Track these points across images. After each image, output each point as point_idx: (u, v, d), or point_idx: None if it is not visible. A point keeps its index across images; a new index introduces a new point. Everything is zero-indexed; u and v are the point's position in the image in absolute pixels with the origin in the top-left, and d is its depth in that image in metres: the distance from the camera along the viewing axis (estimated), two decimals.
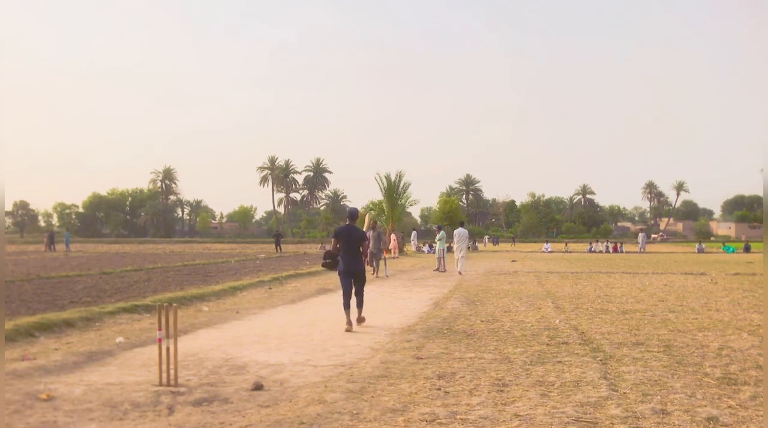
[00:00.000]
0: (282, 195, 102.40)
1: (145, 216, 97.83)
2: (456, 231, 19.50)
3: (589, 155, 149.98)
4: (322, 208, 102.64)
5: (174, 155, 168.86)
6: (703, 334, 7.57)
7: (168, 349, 5.28)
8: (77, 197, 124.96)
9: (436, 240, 21.18)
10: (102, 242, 69.90)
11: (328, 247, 21.29)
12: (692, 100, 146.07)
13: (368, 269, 16.33)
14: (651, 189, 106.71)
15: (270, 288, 14.05)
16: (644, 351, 6.47)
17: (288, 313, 10.15)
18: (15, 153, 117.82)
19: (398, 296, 12.88)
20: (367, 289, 14.31)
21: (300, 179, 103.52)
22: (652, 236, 64.29)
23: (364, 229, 15.95)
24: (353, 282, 8.71)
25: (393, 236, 32.89)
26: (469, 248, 45.67)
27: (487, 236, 66.42)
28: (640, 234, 45.71)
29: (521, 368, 5.75)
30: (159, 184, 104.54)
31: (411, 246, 39.61)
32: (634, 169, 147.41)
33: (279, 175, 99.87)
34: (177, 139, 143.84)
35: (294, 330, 8.33)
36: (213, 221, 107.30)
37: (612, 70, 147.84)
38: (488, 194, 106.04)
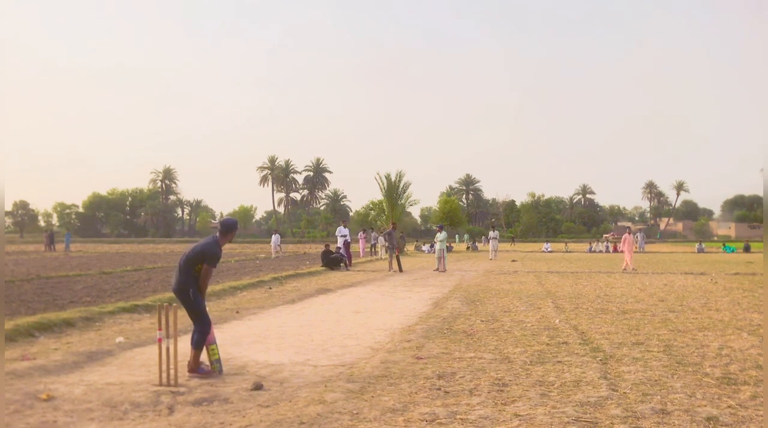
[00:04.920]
0: (282, 195, 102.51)
1: (145, 216, 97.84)
2: (490, 232, 30.33)
3: (589, 155, 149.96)
4: (322, 208, 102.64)
5: (174, 155, 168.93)
6: (703, 334, 7.57)
7: (168, 349, 5.28)
8: (77, 197, 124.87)
9: (436, 240, 21.15)
10: (102, 242, 69.91)
11: (332, 247, 21.87)
12: (692, 100, 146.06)
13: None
14: (651, 189, 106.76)
15: (270, 288, 14.05)
16: (644, 351, 6.47)
17: (288, 313, 10.14)
18: (15, 153, 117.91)
19: (398, 296, 12.88)
20: (367, 289, 14.39)
21: (300, 179, 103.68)
22: (604, 235, 64.45)
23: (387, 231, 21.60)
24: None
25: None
26: (468, 248, 46.05)
27: (485, 236, 66.42)
28: (639, 234, 45.70)
29: (521, 368, 5.75)
30: (159, 184, 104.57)
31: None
32: (634, 169, 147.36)
33: (279, 175, 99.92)
34: (177, 139, 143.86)
35: (294, 330, 8.33)
36: (213, 221, 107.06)
37: (612, 70, 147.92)
38: (488, 194, 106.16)
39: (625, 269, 20.31)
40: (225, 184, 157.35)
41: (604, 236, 62.82)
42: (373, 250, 32.49)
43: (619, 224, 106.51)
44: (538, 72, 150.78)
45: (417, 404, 4.59)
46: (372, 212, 60.56)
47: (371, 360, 6.21)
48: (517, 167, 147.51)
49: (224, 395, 4.98)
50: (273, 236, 32.42)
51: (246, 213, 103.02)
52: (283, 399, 4.85)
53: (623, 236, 21.71)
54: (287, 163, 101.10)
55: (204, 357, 5.81)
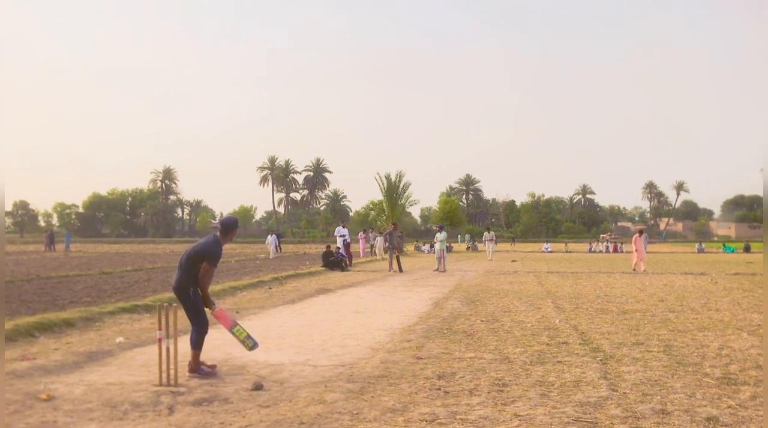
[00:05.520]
0: (282, 195, 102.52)
1: (145, 216, 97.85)
2: (485, 234, 30.86)
3: (589, 155, 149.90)
4: (322, 208, 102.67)
5: (174, 154, 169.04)
6: (703, 334, 7.57)
7: (168, 349, 5.28)
8: (77, 197, 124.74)
9: (436, 240, 21.15)
10: (102, 242, 69.92)
11: (333, 247, 21.94)
12: (692, 100, 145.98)
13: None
14: (651, 189, 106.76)
15: (270, 288, 14.04)
16: (644, 351, 6.47)
17: (288, 313, 10.14)
18: (15, 153, 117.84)
19: (398, 296, 12.88)
20: (367, 289, 14.39)
21: (300, 179, 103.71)
22: (601, 235, 64.01)
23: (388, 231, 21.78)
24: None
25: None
26: (468, 248, 46.08)
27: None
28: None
29: (521, 368, 5.75)
30: (159, 184, 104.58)
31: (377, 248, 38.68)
32: (634, 169, 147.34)
33: (279, 175, 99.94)
34: (177, 139, 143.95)
35: (294, 330, 8.33)
36: (213, 221, 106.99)
37: (612, 70, 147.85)
38: (488, 194, 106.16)
39: (643, 268, 20.00)
40: (225, 184, 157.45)
41: (601, 236, 62.70)
42: (373, 250, 32.49)
43: (619, 224, 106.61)
44: (538, 72, 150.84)
45: (417, 404, 4.59)
46: (372, 212, 60.60)
47: (371, 360, 6.21)
48: (517, 167, 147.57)
49: (224, 395, 4.98)
50: (269, 236, 32.27)
51: (246, 213, 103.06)
52: (283, 399, 4.85)
53: (634, 237, 21.53)
54: (287, 163, 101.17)
55: (205, 356, 5.81)
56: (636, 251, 20.61)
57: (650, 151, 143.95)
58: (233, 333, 5.81)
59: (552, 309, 9.99)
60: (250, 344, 5.83)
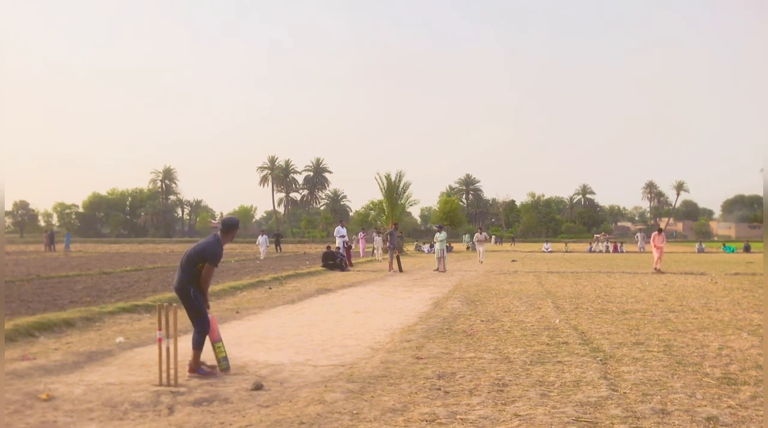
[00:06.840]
0: (282, 195, 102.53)
1: (145, 216, 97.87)
2: (477, 234, 28.14)
3: (589, 155, 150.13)
4: (322, 208, 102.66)
5: (174, 154, 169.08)
6: (703, 334, 7.57)
7: (168, 349, 5.28)
8: (77, 197, 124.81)
9: (436, 240, 21.14)
10: (102, 242, 69.91)
11: (333, 247, 21.90)
12: (692, 100, 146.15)
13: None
14: (651, 189, 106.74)
15: (270, 288, 14.04)
16: (644, 351, 6.47)
17: (288, 313, 10.14)
18: (15, 153, 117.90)
19: (398, 296, 12.87)
20: (368, 289, 14.40)
21: (300, 179, 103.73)
22: (596, 235, 63.75)
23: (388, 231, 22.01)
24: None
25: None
26: (468, 248, 46.05)
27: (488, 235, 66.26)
28: (638, 234, 45.73)
29: (521, 368, 5.75)
30: (159, 184, 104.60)
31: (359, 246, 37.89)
32: (634, 169, 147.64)
33: (279, 175, 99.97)
34: (177, 139, 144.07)
35: (294, 330, 8.33)
36: (213, 221, 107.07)
37: (612, 70, 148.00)
38: (488, 194, 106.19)
39: (656, 267, 19.45)
40: (225, 184, 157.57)
41: (596, 236, 62.48)
42: (374, 250, 32.49)
43: (619, 224, 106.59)
44: (538, 72, 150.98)
45: (417, 404, 4.59)
46: (372, 212, 60.59)
47: (371, 360, 6.21)
48: (517, 167, 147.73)
49: (224, 395, 4.98)
50: (260, 236, 31.95)
51: (246, 213, 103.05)
52: (283, 399, 4.85)
53: (652, 234, 21.10)
54: (287, 163, 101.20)
55: (205, 357, 5.80)
56: (655, 247, 19.97)
57: (650, 151, 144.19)
58: (214, 348, 5.75)
59: (552, 309, 9.99)
60: (224, 365, 5.74)
